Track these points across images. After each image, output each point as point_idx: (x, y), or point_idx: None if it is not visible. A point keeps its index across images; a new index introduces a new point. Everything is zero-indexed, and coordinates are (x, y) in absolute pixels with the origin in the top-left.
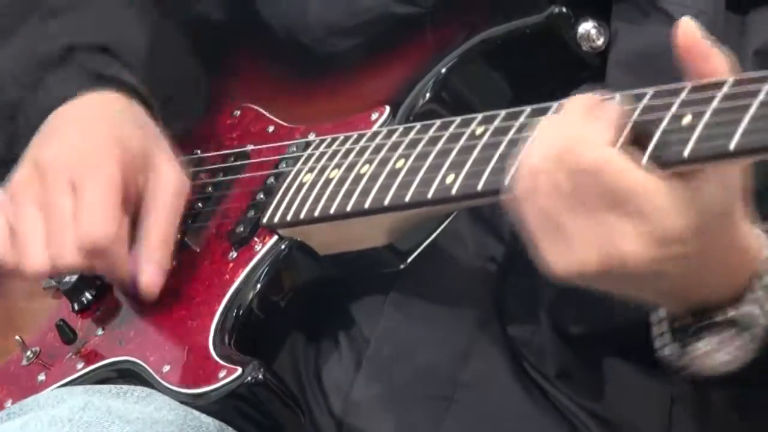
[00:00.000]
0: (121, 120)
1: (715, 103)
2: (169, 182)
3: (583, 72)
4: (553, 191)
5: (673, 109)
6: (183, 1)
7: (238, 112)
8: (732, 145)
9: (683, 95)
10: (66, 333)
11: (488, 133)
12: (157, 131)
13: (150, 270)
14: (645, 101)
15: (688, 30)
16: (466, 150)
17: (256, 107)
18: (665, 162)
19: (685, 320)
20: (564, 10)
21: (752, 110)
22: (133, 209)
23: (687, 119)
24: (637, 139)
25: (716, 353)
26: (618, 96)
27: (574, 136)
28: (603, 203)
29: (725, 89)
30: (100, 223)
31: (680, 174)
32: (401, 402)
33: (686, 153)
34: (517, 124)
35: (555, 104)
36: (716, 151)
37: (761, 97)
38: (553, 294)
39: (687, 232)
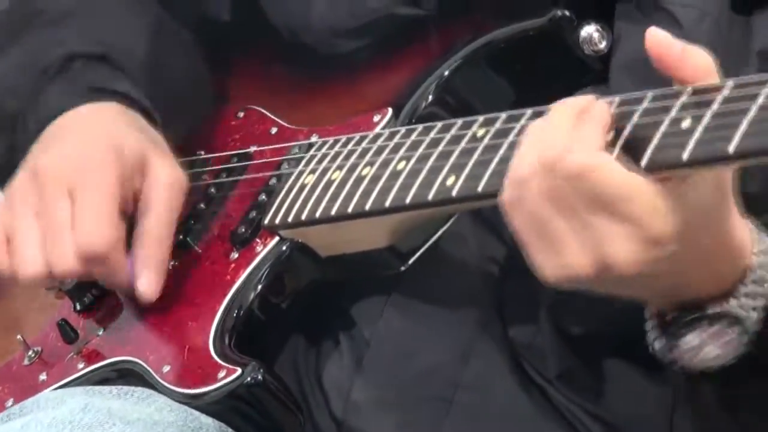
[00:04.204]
0: (117, 126)
1: (714, 106)
2: (163, 180)
3: (586, 75)
4: (542, 198)
5: (673, 112)
6: (190, 3)
7: (242, 114)
8: (731, 148)
9: (683, 98)
10: (67, 333)
11: (489, 136)
12: (155, 134)
13: (146, 275)
14: (645, 104)
15: (656, 38)
16: (467, 152)
17: (259, 109)
18: (661, 165)
19: (674, 314)
20: (566, 13)
21: (751, 114)
22: (131, 213)
23: (686, 122)
24: (629, 143)
25: (706, 347)
26: (617, 98)
27: (559, 142)
28: (591, 207)
29: (725, 92)
30: (98, 230)
31: (670, 177)
32: (401, 403)
33: (685, 156)
34: (518, 126)
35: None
36: (715, 155)
37: (760, 100)
38: (553, 294)
39: (676, 233)
